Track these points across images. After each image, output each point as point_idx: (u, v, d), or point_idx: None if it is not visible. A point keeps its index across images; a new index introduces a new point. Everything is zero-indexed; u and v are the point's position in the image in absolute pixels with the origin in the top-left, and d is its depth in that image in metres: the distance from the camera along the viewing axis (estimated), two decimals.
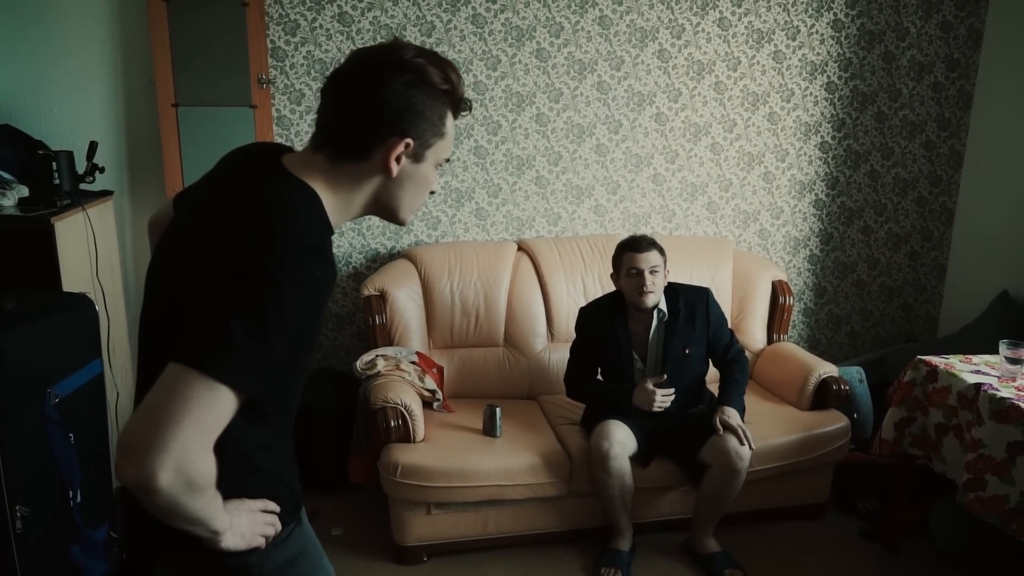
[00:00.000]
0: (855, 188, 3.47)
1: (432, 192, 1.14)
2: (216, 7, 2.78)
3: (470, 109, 1.12)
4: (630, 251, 2.47)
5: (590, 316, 2.62)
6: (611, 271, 2.60)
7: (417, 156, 1.06)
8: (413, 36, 2.98)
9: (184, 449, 0.85)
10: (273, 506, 1.10)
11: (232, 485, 1.01)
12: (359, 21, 2.94)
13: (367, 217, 3.09)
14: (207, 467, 0.90)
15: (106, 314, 2.53)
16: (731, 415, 2.42)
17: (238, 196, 1.03)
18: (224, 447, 0.92)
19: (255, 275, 0.91)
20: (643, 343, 2.54)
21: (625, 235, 3.22)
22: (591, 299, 3.04)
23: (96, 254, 2.54)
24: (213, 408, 0.87)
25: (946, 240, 3.58)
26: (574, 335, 2.70)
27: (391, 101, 1.02)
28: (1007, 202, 3.26)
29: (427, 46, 2.94)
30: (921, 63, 3.36)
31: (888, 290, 3.60)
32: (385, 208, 1.11)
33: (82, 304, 2.15)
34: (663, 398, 2.41)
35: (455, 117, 1.09)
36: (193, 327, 0.91)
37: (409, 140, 1.03)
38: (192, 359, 0.88)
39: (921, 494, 2.69)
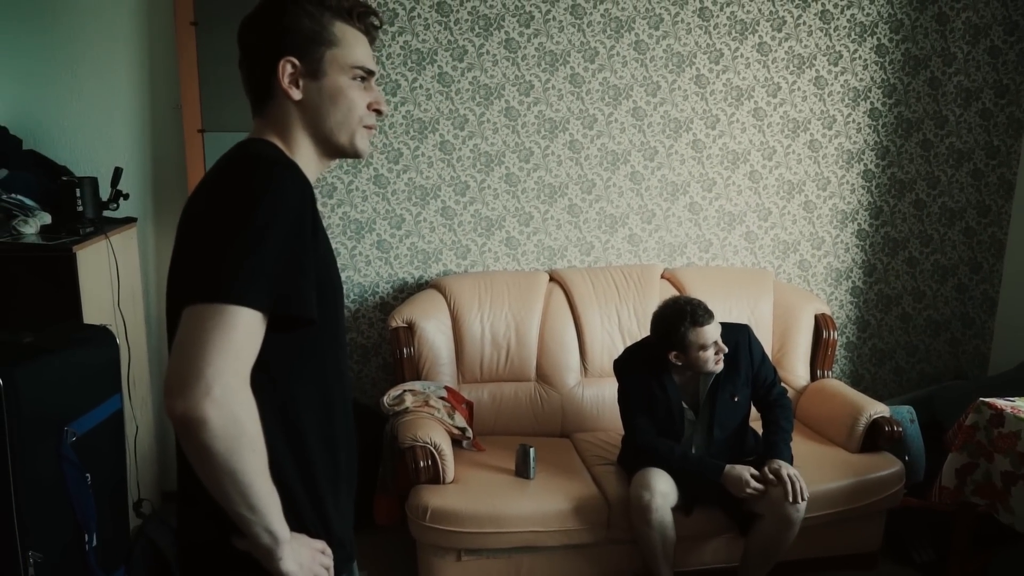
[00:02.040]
0: (899, 218, 3.34)
1: (379, 112, 1.12)
2: None
3: (372, 13, 1.12)
4: (696, 327, 2.26)
5: (634, 366, 2.44)
6: (673, 352, 2.32)
7: (314, 72, 1.07)
8: (445, 60, 2.91)
9: (219, 375, 0.87)
10: (329, 551, 1.07)
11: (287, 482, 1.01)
12: (390, 45, 2.88)
13: (394, 246, 3.02)
14: (248, 401, 0.91)
15: (127, 345, 2.46)
16: (782, 466, 2.28)
17: (206, 177, 1.07)
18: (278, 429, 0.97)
19: (230, 200, 0.96)
20: (690, 392, 2.40)
21: (660, 264, 3.15)
22: (625, 332, 2.94)
23: (118, 283, 2.47)
24: (234, 332, 0.89)
25: (996, 272, 3.43)
26: (611, 373, 2.57)
27: (264, 31, 1.07)
28: None
29: (458, 71, 2.92)
30: (969, 89, 3.25)
31: (935, 324, 3.45)
32: (323, 139, 1.10)
33: (102, 337, 2.07)
34: (754, 488, 2.25)
35: (350, 23, 1.09)
36: (191, 269, 0.96)
37: (291, 59, 1.05)
38: (198, 295, 0.90)
39: (982, 543, 2.53)
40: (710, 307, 2.36)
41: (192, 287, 0.92)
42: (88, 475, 1.93)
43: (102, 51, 2.70)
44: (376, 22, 1.13)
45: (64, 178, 2.42)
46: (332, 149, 1.12)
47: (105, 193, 2.52)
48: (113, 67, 2.72)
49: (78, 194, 2.39)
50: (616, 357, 2.54)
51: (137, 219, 2.73)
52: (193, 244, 0.99)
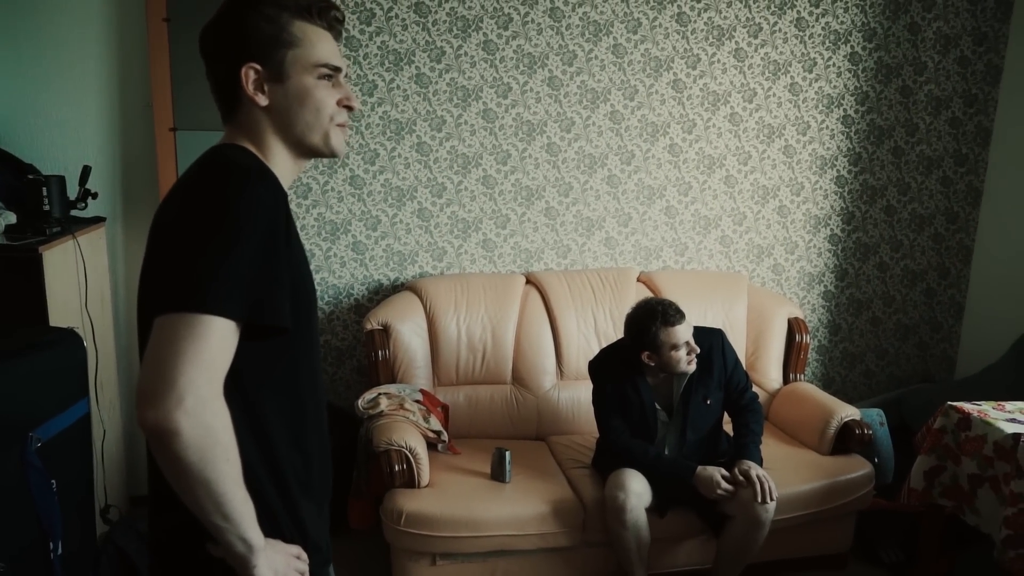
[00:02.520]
0: (871, 223, 3.39)
1: (349, 107, 1.10)
2: None
3: (332, 7, 1.09)
4: (667, 326, 2.28)
5: (609, 368, 2.46)
6: (645, 352, 2.33)
7: (277, 76, 1.05)
8: (423, 61, 2.90)
9: (191, 385, 0.86)
10: (305, 556, 1.06)
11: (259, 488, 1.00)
12: (367, 46, 2.86)
13: (369, 247, 3.00)
14: (221, 411, 0.90)
15: (95, 348, 2.41)
16: (751, 467, 2.31)
17: (178, 182, 1.07)
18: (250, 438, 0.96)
19: (202, 207, 0.94)
20: (664, 395, 2.42)
21: (636, 268, 3.17)
22: (601, 335, 2.95)
23: (86, 285, 2.42)
24: (207, 341, 0.88)
25: (964, 278, 3.51)
26: (587, 376, 2.58)
27: (223, 39, 1.06)
28: None
29: (436, 72, 2.91)
30: (938, 98, 3.31)
31: (904, 328, 3.52)
32: (295, 142, 1.09)
33: (69, 340, 2.03)
34: (725, 489, 2.27)
35: (311, 21, 1.07)
36: (161, 277, 0.95)
37: (253, 64, 1.04)
38: (170, 304, 0.89)
39: (949, 544, 2.58)
40: (684, 309, 2.38)
41: (164, 296, 0.91)
42: (54, 481, 1.88)
43: (71, 46, 2.65)
44: (339, 16, 1.11)
45: (30, 176, 2.36)
46: (307, 151, 1.11)
47: (73, 192, 2.46)
48: (82, 63, 2.66)
49: (45, 193, 2.33)
50: (591, 358, 2.55)
51: (106, 219, 2.68)
52: (165, 251, 0.98)
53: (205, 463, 0.88)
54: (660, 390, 2.42)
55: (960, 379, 3.34)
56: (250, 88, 1.05)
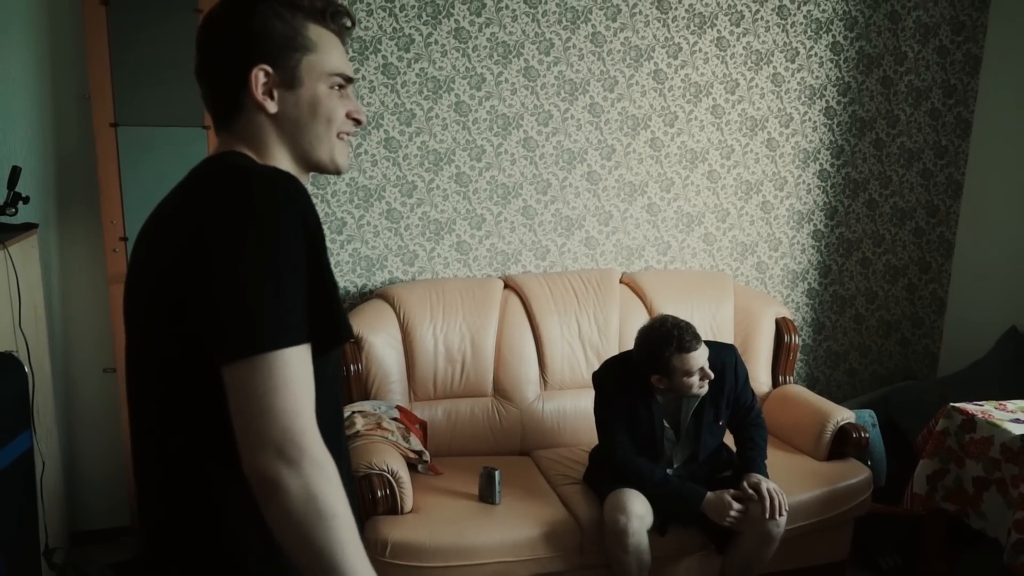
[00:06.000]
0: (853, 218, 3.43)
1: (358, 121, 1.05)
2: (164, 13, 2.53)
3: (345, 13, 1.04)
4: (682, 352, 2.21)
5: (617, 381, 2.38)
6: (655, 375, 2.27)
7: (289, 81, 0.99)
8: (390, 50, 2.79)
9: (289, 427, 0.82)
10: None
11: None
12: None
13: (334, 252, 2.87)
14: (321, 442, 0.85)
15: (31, 372, 2.23)
16: (760, 480, 2.28)
17: (180, 194, 0.97)
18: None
19: (234, 225, 0.86)
20: (671, 412, 2.37)
21: (618, 268, 3.12)
22: (587, 342, 2.89)
23: (19, 300, 2.23)
24: (285, 381, 0.83)
25: (945, 272, 3.58)
26: (572, 386, 2.53)
27: (231, 36, 0.98)
28: (1010, 234, 3.27)
29: (404, 62, 2.80)
30: (919, 88, 3.37)
31: (886, 324, 3.57)
32: (301, 154, 1.02)
33: (8, 365, 1.87)
34: (737, 512, 2.23)
35: (324, 25, 1.01)
36: (212, 321, 0.85)
37: (264, 67, 0.97)
38: (234, 351, 0.83)
39: (949, 546, 2.62)
40: (670, 312, 2.33)
41: (223, 341, 0.84)
42: None
43: None
44: (348, 23, 1.06)
45: None
46: (310, 165, 1.04)
47: (1, 196, 2.27)
48: (8, 52, 2.45)
49: None
50: (595, 370, 2.49)
51: (38, 225, 2.48)
52: (197, 283, 0.87)
53: (323, 504, 0.84)
54: (668, 408, 2.36)
55: (945, 375, 3.40)
56: (259, 92, 0.98)
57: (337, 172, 1.06)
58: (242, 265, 0.84)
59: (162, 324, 0.90)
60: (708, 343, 2.32)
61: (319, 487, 0.83)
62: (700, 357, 2.23)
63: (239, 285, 0.84)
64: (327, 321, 0.91)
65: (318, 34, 1.01)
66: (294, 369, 0.84)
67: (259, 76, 0.97)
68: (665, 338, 2.22)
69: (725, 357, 2.38)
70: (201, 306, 0.86)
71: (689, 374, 2.23)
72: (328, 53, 1.01)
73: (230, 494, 0.90)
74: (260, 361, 0.83)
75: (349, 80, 1.04)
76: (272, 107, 0.99)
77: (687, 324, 2.27)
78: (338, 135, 1.03)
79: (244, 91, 0.98)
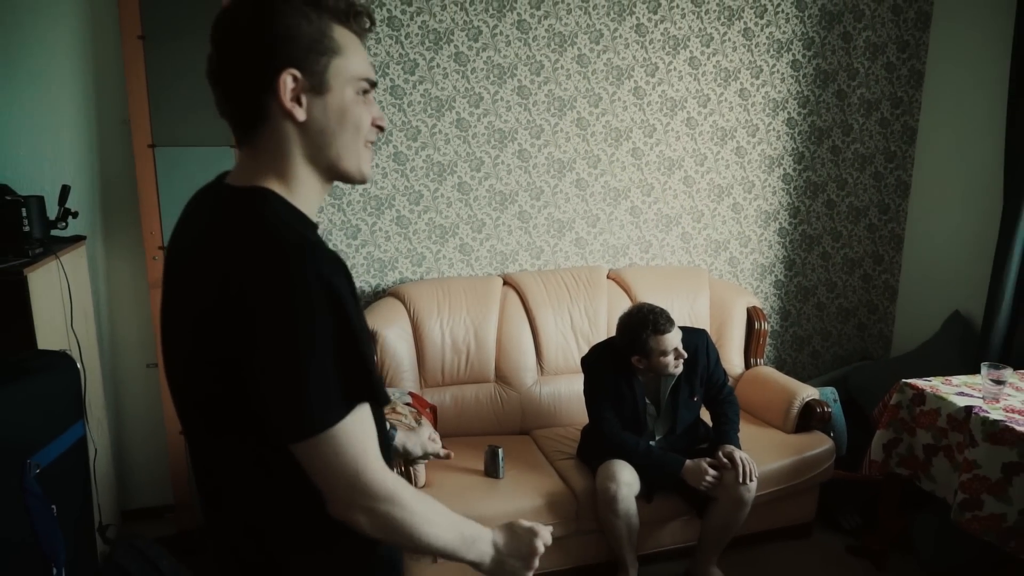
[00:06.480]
0: (814, 216, 3.46)
1: (380, 128, 0.93)
2: (194, 44, 2.54)
3: (366, 14, 0.91)
4: (657, 334, 2.25)
5: (603, 363, 2.41)
6: (635, 356, 2.31)
7: (317, 87, 0.86)
8: (397, 73, 2.80)
9: (355, 483, 0.82)
10: (541, 529, 1.08)
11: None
12: None
13: (350, 256, 2.89)
14: (390, 478, 0.85)
15: (82, 368, 2.24)
16: (733, 450, 2.31)
17: (202, 244, 0.86)
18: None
19: (271, 305, 0.77)
20: (652, 391, 2.40)
21: (605, 265, 3.14)
22: (578, 331, 2.91)
23: (71, 304, 2.24)
24: (343, 443, 0.81)
25: (896, 264, 3.61)
26: (566, 371, 2.55)
27: (253, 40, 0.84)
28: (953, 228, 3.30)
29: (410, 83, 2.81)
30: (869, 101, 3.39)
31: (844, 311, 3.60)
32: (327, 165, 0.90)
33: (62, 363, 1.88)
34: (712, 477, 2.27)
35: (347, 26, 0.88)
36: (266, 403, 0.80)
37: (293, 71, 0.84)
38: (299, 432, 0.80)
39: (903, 506, 2.65)
40: (652, 304, 2.37)
41: (281, 422, 0.81)
42: (54, 507, 1.74)
43: (45, 65, 2.44)
44: (368, 24, 0.92)
45: (8, 197, 2.17)
46: (336, 175, 0.92)
47: (53, 212, 2.28)
48: (58, 82, 2.46)
49: (24, 214, 2.15)
50: (583, 355, 2.51)
51: (86, 237, 2.49)
52: (239, 350, 0.80)
53: (404, 524, 0.87)
54: (649, 386, 2.39)
55: (898, 355, 3.43)
56: (287, 98, 0.84)
57: (363, 182, 0.93)
58: (285, 350, 0.78)
59: (208, 373, 0.84)
60: (682, 328, 2.35)
61: (392, 517, 0.85)
62: (674, 338, 2.27)
63: (284, 370, 0.78)
64: (362, 386, 0.84)
65: (343, 36, 0.88)
66: (348, 434, 0.81)
67: (287, 81, 0.84)
68: (642, 322, 2.26)
69: (697, 340, 2.41)
70: (255, 384, 0.80)
71: (665, 354, 2.26)
72: (353, 56, 0.88)
73: (283, 486, 0.87)
74: (319, 441, 0.80)
75: (373, 85, 0.92)
76: (301, 114, 0.85)
77: (661, 310, 2.31)
78: (364, 143, 0.91)
79: (269, 97, 0.85)
